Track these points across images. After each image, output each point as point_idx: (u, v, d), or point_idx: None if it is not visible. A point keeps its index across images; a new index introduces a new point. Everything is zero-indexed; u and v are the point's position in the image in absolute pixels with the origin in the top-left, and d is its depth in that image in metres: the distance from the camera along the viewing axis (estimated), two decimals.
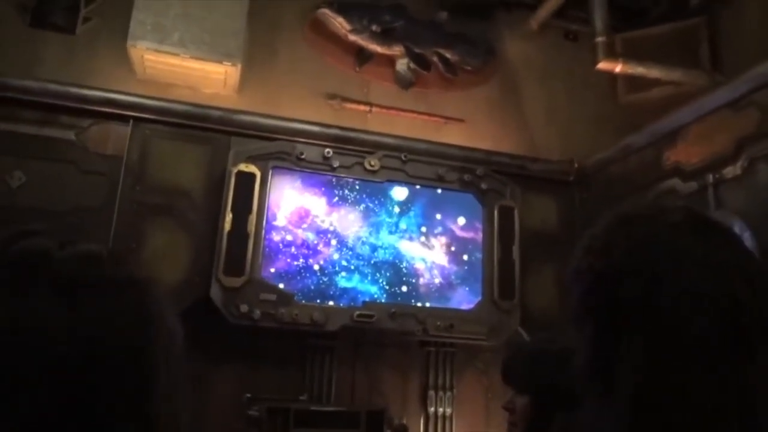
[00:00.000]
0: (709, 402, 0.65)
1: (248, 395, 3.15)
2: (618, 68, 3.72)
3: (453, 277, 3.60)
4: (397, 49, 3.99)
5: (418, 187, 3.67)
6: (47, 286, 0.51)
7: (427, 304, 3.51)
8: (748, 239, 2.45)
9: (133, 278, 0.58)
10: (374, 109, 3.94)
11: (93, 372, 0.49)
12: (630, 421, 0.67)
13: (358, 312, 3.34)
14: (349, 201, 3.55)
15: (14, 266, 0.51)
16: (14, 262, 0.52)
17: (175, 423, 0.56)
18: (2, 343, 0.48)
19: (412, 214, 3.63)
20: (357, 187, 3.58)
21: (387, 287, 3.48)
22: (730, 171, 2.92)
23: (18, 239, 0.54)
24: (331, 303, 3.36)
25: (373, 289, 3.46)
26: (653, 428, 0.66)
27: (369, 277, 3.47)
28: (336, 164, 3.54)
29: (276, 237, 3.36)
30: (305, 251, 3.40)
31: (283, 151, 3.49)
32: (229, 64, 3.43)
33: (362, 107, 3.93)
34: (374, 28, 3.91)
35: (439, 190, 3.70)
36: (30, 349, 0.48)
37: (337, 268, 3.43)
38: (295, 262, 3.36)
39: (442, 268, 3.59)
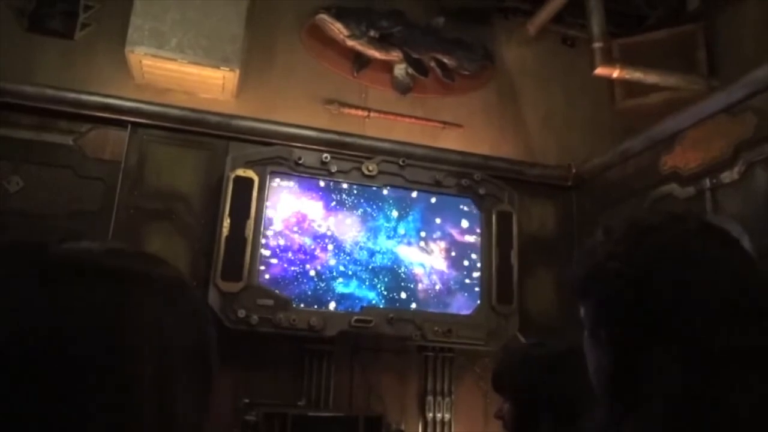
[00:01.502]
0: (744, 414, 0.64)
1: (246, 400, 3.14)
2: (615, 74, 3.73)
3: (451, 282, 3.59)
4: (394, 55, 4.00)
5: (415, 192, 3.67)
6: (36, 276, 0.52)
7: (426, 309, 3.50)
8: (746, 244, 2.45)
9: (126, 272, 0.58)
10: (372, 114, 3.95)
11: (60, 361, 0.50)
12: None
13: (356, 317, 3.33)
14: (347, 206, 3.55)
15: (9, 256, 0.54)
16: (10, 252, 0.54)
17: (162, 421, 0.55)
18: None
19: (410, 219, 3.63)
20: (355, 192, 3.58)
21: (385, 292, 3.47)
22: (728, 176, 2.93)
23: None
24: (329, 308, 3.35)
25: (371, 295, 3.45)
26: None
27: (367, 282, 3.46)
28: (334, 169, 3.54)
29: (274, 242, 3.36)
30: (303, 256, 3.39)
31: (280, 156, 3.49)
32: (227, 69, 3.43)
33: (360, 112, 3.93)
34: (372, 33, 3.92)
35: (435, 197, 3.69)
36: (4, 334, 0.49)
37: (334, 274, 3.42)
38: (293, 268, 3.36)
39: (440, 273, 3.59)
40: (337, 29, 3.87)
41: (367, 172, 3.59)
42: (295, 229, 3.43)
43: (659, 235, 0.75)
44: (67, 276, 0.53)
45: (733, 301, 0.67)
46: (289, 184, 3.47)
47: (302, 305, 3.29)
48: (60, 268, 0.53)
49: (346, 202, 3.55)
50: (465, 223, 3.70)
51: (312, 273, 3.38)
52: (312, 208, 3.48)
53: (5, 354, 0.48)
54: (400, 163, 3.66)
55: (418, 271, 3.56)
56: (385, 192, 3.62)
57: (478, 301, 3.58)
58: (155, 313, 0.57)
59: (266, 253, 3.32)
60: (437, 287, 3.56)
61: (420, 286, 3.54)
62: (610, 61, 3.72)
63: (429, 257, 3.60)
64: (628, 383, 0.69)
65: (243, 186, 3.33)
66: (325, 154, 3.54)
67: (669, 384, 0.67)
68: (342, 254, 3.46)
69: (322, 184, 3.53)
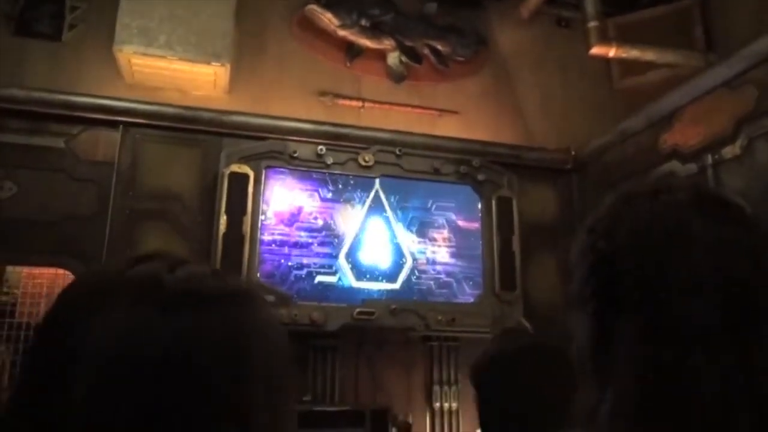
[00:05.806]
0: (712, 390, 0.61)
1: None
2: (612, 53, 3.67)
3: (453, 270, 3.56)
4: (387, 43, 3.95)
5: (413, 181, 3.62)
6: (156, 304, 0.56)
7: (429, 299, 3.47)
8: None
9: (235, 293, 0.61)
10: (367, 104, 3.90)
11: (184, 381, 0.53)
12: (630, 409, 0.64)
13: (358, 310, 3.30)
14: (345, 198, 3.51)
15: (129, 287, 0.57)
16: (130, 284, 0.57)
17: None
18: (109, 352, 0.53)
19: (409, 208, 3.59)
20: (352, 184, 3.54)
21: (386, 284, 3.44)
22: (729, 151, 2.89)
23: (134, 265, 0.60)
24: (330, 302, 3.32)
25: (373, 287, 3.42)
26: (654, 418, 0.63)
27: (368, 275, 3.43)
28: (330, 161, 3.50)
29: (272, 237, 3.33)
30: (302, 250, 3.36)
31: (275, 150, 3.45)
32: (218, 64, 3.39)
33: (355, 103, 3.89)
34: (363, 22, 3.87)
35: (434, 185, 3.65)
36: (129, 357, 0.52)
37: (334, 267, 3.39)
38: (292, 262, 3.33)
39: (442, 262, 3.55)
40: (328, 19, 3.82)
41: (363, 163, 3.55)
42: (298, 224, 3.39)
43: (643, 207, 0.72)
44: (186, 306, 0.57)
45: (706, 279, 0.64)
46: (285, 179, 3.44)
47: (303, 300, 3.26)
48: (179, 300, 0.57)
49: (344, 193, 3.51)
50: (465, 211, 3.66)
51: (311, 267, 3.35)
52: (309, 201, 3.44)
53: (135, 385, 0.51)
54: (397, 152, 3.62)
55: (419, 260, 3.53)
56: (383, 182, 3.58)
57: (481, 289, 3.54)
58: (260, 333, 0.62)
59: (265, 248, 3.29)
60: (439, 276, 3.53)
61: (422, 276, 3.51)
62: (605, 40, 3.66)
63: (430, 246, 3.56)
64: (605, 358, 0.67)
65: (238, 182, 3.29)
66: (321, 147, 3.50)
67: (639, 364, 0.65)
68: (341, 247, 3.43)
69: (318, 176, 3.49)
